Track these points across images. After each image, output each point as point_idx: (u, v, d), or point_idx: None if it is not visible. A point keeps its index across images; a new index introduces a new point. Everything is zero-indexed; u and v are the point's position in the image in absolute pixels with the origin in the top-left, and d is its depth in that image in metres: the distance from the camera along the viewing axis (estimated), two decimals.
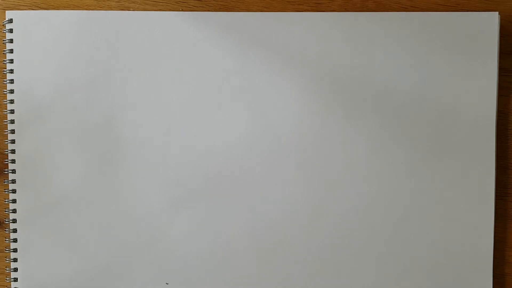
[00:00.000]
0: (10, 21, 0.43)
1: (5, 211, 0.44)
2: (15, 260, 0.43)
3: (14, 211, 0.43)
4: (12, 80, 0.43)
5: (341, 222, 0.43)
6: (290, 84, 0.43)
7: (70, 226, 0.44)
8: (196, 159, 0.43)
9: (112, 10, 0.43)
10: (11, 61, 0.43)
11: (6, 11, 0.43)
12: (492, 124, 0.43)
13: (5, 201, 0.44)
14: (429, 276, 0.43)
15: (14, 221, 0.43)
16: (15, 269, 0.43)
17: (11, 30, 0.43)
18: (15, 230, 0.43)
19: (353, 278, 0.43)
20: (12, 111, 0.43)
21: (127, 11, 0.43)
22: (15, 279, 0.43)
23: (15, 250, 0.43)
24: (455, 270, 0.43)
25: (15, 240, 0.43)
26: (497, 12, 0.43)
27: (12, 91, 0.43)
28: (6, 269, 0.44)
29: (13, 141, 0.43)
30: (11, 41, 0.43)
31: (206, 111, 0.43)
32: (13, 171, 0.43)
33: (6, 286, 0.44)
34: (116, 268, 0.44)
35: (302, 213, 0.43)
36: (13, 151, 0.43)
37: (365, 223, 0.43)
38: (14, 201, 0.43)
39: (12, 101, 0.43)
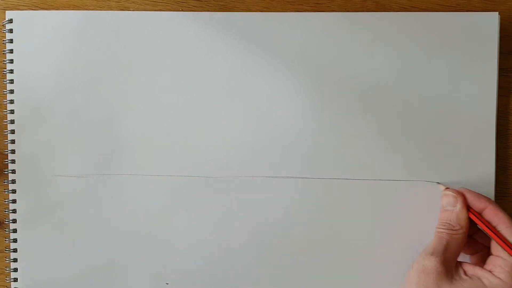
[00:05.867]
0: (10, 21, 0.43)
1: (5, 211, 0.44)
2: (15, 260, 0.43)
3: (14, 211, 0.43)
4: (12, 80, 0.43)
5: (341, 221, 0.43)
6: (290, 84, 0.43)
7: (70, 226, 0.44)
8: (197, 159, 0.43)
9: (112, 10, 0.43)
10: (11, 61, 0.43)
11: (6, 11, 0.43)
12: (492, 124, 0.43)
13: (5, 201, 0.44)
14: None
15: (14, 221, 0.43)
16: (15, 269, 0.43)
17: (11, 30, 0.43)
18: (15, 230, 0.43)
19: (353, 278, 0.43)
20: (12, 111, 0.43)
21: (127, 11, 0.43)
22: (15, 279, 0.43)
23: (15, 250, 0.43)
24: None
25: (15, 240, 0.43)
26: (497, 12, 0.43)
27: (12, 91, 0.43)
28: (6, 269, 0.44)
29: (13, 141, 0.43)
30: (11, 41, 0.43)
31: (206, 111, 0.43)
32: (13, 171, 0.43)
33: (6, 286, 0.44)
34: (116, 268, 0.44)
35: (302, 213, 0.43)
36: (13, 151, 0.43)
37: (365, 222, 0.43)
38: (14, 201, 0.43)
39: (12, 101, 0.43)
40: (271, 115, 0.43)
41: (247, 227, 0.43)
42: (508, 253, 0.37)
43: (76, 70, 0.43)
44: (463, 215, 0.40)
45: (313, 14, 0.43)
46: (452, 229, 0.39)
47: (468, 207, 0.40)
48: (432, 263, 0.38)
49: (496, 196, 0.43)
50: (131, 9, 0.44)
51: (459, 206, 0.40)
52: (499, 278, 0.37)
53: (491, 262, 0.39)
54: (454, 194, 0.40)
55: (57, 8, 0.44)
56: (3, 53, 0.43)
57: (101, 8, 0.44)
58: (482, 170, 0.43)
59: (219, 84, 0.43)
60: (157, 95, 0.43)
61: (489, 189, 0.43)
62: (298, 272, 0.44)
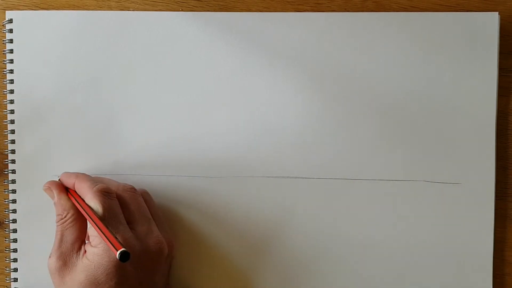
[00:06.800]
0: (10, 21, 0.43)
1: (5, 211, 0.44)
2: (15, 260, 0.43)
3: (14, 211, 0.43)
4: (12, 80, 0.43)
5: (340, 221, 0.43)
6: (290, 84, 0.43)
7: None
8: (197, 159, 0.43)
9: (112, 10, 0.43)
10: (11, 61, 0.43)
11: (6, 11, 0.43)
12: (492, 124, 0.43)
13: (5, 201, 0.44)
14: (430, 276, 0.43)
15: (14, 221, 0.43)
16: (15, 269, 0.43)
17: (11, 30, 0.43)
18: (15, 230, 0.43)
19: (353, 278, 0.43)
20: (12, 111, 0.43)
21: (127, 11, 0.43)
22: (15, 279, 0.43)
23: (15, 250, 0.43)
24: (455, 270, 0.43)
25: (15, 240, 0.43)
26: (497, 12, 0.43)
27: (12, 91, 0.43)
28: (6, 269, 0.44)
29: (13, 141, 0.43)
30: (11, 41, 0.43)
31: (206, 111, 0.43)
32: (13, 171, 0.43)
33: (6, 286, 0.44)
34: None
35: (302, 213, 0.43)
36: (13, 151, 0.43)
37: (364, 223, 0.43)
38: (14, 201, 0.43)
39: (12, 101, 0.43)
40: (271, 115, 0.43)
41: (246, 227, 0.43)
42: (88, 220, 0.37)
43: (76, 70, 0.43)
44: (63, 200, 0.40)
45: (313, 14, 0.43)
46: (62, 219, 0.39)
47: (67, 190, 0.40)
48: (51, 264, 0.38)
49: (496, 196, 0.43)
50: (131, 9, 0.44)
51: (55, 193, 0.40)
52: (95, 247, 0.37)
53: (89, 233, 0.38)
54: (46, 186, 0.41)
55: (57, 8, 0.44)
56: (3, 53, 0.43)
57: (101, 8, 0.44)
58: (482, 170, 0.43)
59: (219, 84, 0.43)
60: (157, 95, 0.43)
61: (489, 189, 0.43)
62: (297, 272, 0.44)
